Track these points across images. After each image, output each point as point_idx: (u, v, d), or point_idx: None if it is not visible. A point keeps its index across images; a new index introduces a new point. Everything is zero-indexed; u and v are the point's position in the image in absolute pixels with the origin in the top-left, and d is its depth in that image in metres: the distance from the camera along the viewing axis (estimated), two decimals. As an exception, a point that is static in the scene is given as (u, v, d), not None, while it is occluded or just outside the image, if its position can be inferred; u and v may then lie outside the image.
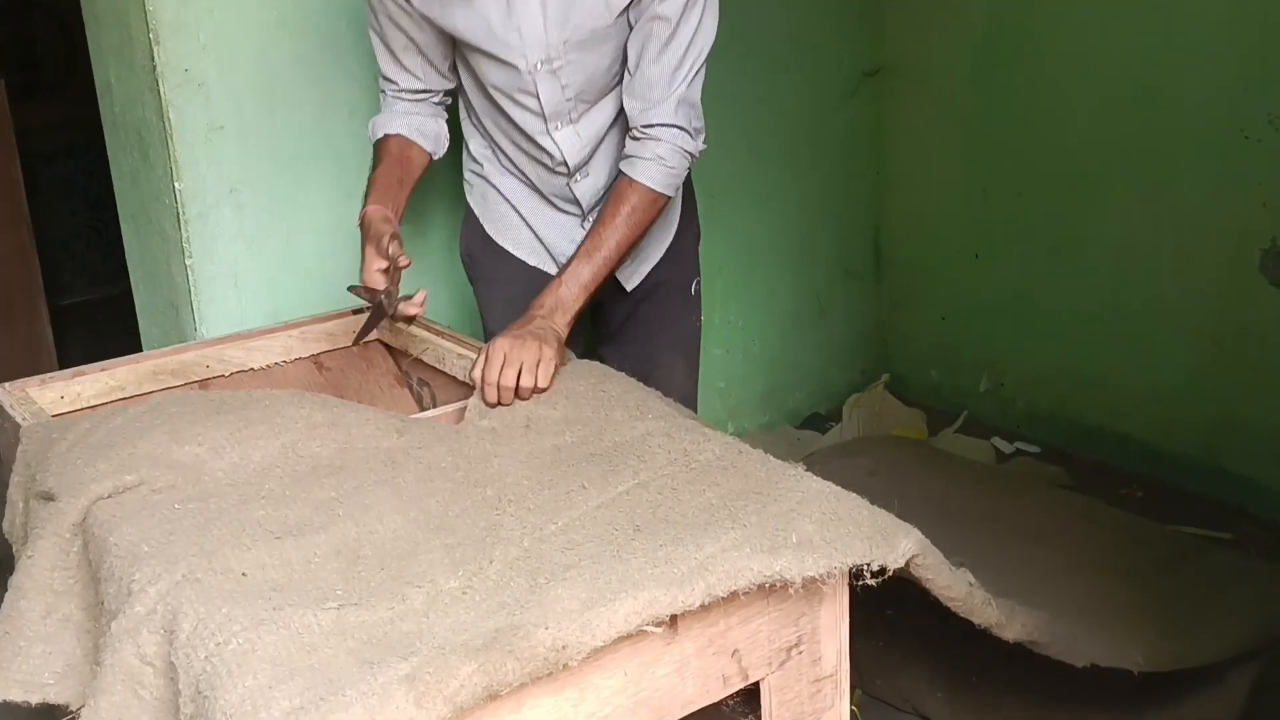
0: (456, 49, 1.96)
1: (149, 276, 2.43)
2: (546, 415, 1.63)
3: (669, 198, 1.89)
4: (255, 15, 2.25)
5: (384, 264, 1.83)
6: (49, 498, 1.45)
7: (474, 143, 2.08)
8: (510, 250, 2.10)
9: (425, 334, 1.97)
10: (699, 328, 2.22)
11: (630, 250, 1.89)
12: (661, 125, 1.83)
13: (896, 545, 1.30)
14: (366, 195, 1.93)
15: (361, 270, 1.86)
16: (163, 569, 1.23)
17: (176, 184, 2.21)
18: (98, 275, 4.85)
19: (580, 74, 1.88)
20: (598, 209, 2.02)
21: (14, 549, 1.66)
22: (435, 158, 2.04)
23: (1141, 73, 2.86)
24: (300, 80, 2.32)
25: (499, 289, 2.12)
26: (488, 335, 2.04)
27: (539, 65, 1.86)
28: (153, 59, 2.17)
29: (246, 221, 2.30)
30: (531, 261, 2.09)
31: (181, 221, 2.23)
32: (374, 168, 1.97)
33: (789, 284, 3.38)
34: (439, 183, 2.39)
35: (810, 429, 3.33)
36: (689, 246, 2.16)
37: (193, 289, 2.26)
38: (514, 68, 1.87)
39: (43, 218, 3.98)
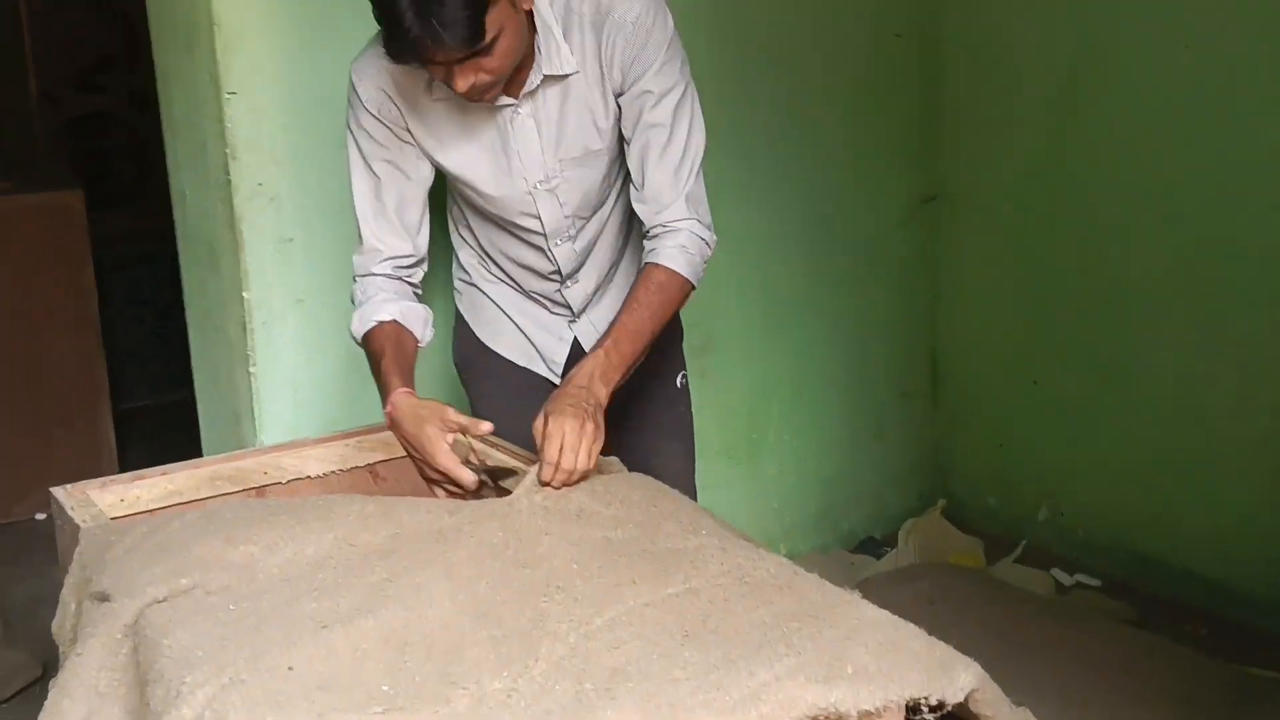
0: (451, 181, 2.01)
1: (212, 383, 2.47)
2: (599, 511, 1.62)
3: (694, 286, 1.93)
4: (326, 132, 2.32)
5: (451, 439, 1.76)
6: (103, 599, 1.45)
7: (464, 254, 2.15)
8: (501, 353, 2.16)
9: (478, 445, 1.98)
10: (690, 417, 2.25)
11: (658, 333, 1.91)
12: (674, 220, 1.89)
13: (955, 678, 1.26)
14: (385, 386, 1.84)
15: (430, 459, 1.75)
16: (212, 672, 1.22)
17: (244, 293, 2.27)
18: (160, 382, 4.93)
19: (577, 191, 1.95)
20: (586, 309, 2.11)
21: (60, 650, 1.66)
22: (422, 345, 1.98)
23: (1198, 201, 2.86)
24: (368, 196, 2.38)
25: (491, 385, 2.17)
26: None
27: (538, 185, 1.93)
28: (227, 173, 2.24)
29: (309, 332, 2.35)
30: (521, 363, 2.16)
31: (247, 330, 2.28)
32: (379, 357, 1.88)
33: (844, 404, 3.37)
34: (430, 292, 2.41)
35: (865, 553, 3.27)
36: (673, 342, 2.19)
37: (254, 396, 2.30)
38: (513, 191, 1.93)
39: (111, 324, 4.08)
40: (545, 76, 1.84)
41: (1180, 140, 2.87)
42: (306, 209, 2.31)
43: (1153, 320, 2.99)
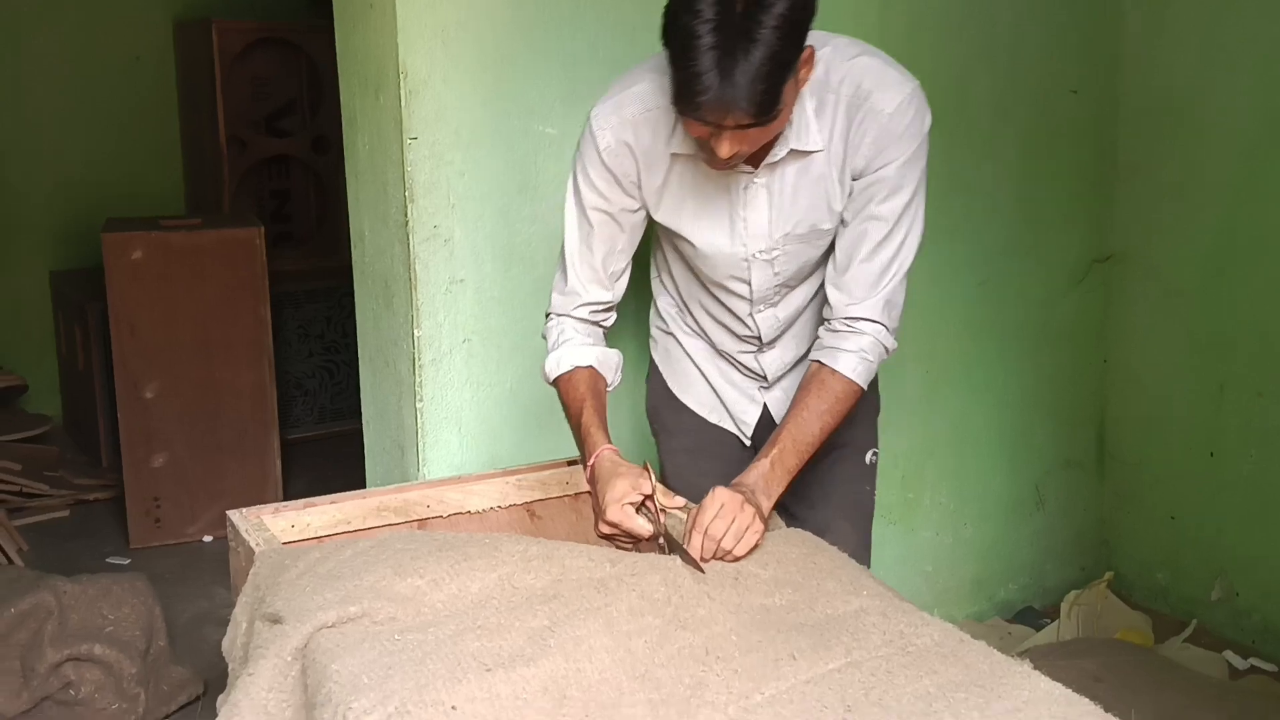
0: (663, 232, 1.99)
1: (380, 416, 2.54)
2: (756, 573, 1.61)
3: (864, 391, 1.88)
4: (500, 178, 2.38)
5: (636, 500, 1.73)
6: (275, 620, 1.50)
7: (662, 301, 2.13)
8: (691, 406, 2.13)
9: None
10: (873, 501, 2.18)
11: (827, 438, 1.87)
12: (866, 320, 1.84)
13: (1134, 759, 1.20)
14: (588, 440, 1.84)
15: (603, 510, 1.73)
16: (379, 700, 1.25)
17: (416, 331, 2.33)
18: (325, 413, 5.11)
19: (793, 263, 1.91)
20: (781, 378, 2.06)
21: (230, 667, 1.71)
22: (610, 390, 1.97)
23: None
24: (535, 239, 2.43)
25: (679, 440, 2.15)
26: (667, 484, 2.02)
27: (758, 254, 1.90)
28: (405, 215, 2.31)
29: (475, 369, 2.40)
30: (711, 419, 2.12)
31: (416, 366, 2.34)
32: (579, 405, 1.88)
33: (1005, 471, 3.27)
34: (622, 339, 2.43)
35: (1023, 623, 3.16)
36: (869, 415, 2.14)
37: (420, 431, 2.36)
38: (731, 256, 1.90)
39: (281, 356, 4.25)
40: (791, 151, 1.79)
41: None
42: (478, 251, 2.37)
43: (1342, 394, 2.84)
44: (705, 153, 1.71)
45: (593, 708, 1.29)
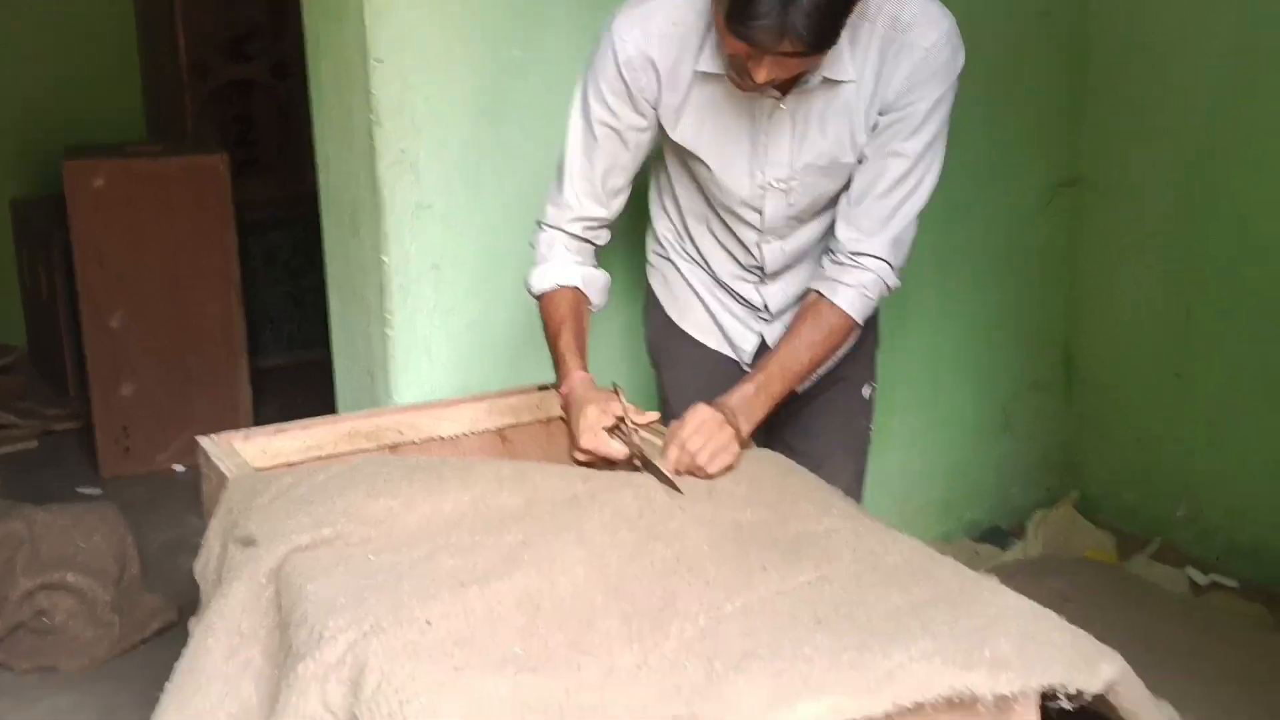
0: (677, 157, 1.93)
1: (349, 343, 2.53)
2: (730, 490, 1.62)
3: (860, 327, 1.87)
4: (467, 101, 2.35)
5: (609, 423, 1.73)
6: (249, 543, 1.50)
7: (661, 225, 2.08)
8: (691, 333, 2.10)
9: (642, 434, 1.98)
10: (869, 435, 2.17)
11: (817, 370, 1.88)
12: (872, 257, 1.82)
13: (1097, 670, 1.23)
14: (562, 364, 1.83)
15: (576, 435, 1.74)
16: (354, 619, 1.26)
17: (384, 258, 2.31)
18: (294, 341, 5.09)
19: (809, 195, 1.87)
20: (784, 312, 2.02)
21: (202, 590, 1.72)
22: (595, 311, 1.95)
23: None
24: (504, 164, 2.41)
25: (682, 370, 2.13)
26: (669, 416, 2.04)
27: (774, 183, 1.84)
28: (371, 139, 2.28)
29: (444, 296, 2.38)
30: (711, 344, 2.10)
31: (385, 293, 2.32)
32: (558, 327, 1.87)
33: (973, 395, 3.29)
34: (618, 264, 2.42)
35: (990, 543, 3.21)
36: (868, 350, 2.13)
37: (389, 357, 2.35)
38: (747, 182, 1.85)
39: (248, 284, 4.20)
40: (824, 79, 1.73)
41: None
42: (446, 176, 2.34)
43: (1307, 315, 2.87)
44: (736, 72, 1.65)
45: (567, 621, 1.31)
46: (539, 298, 1.92)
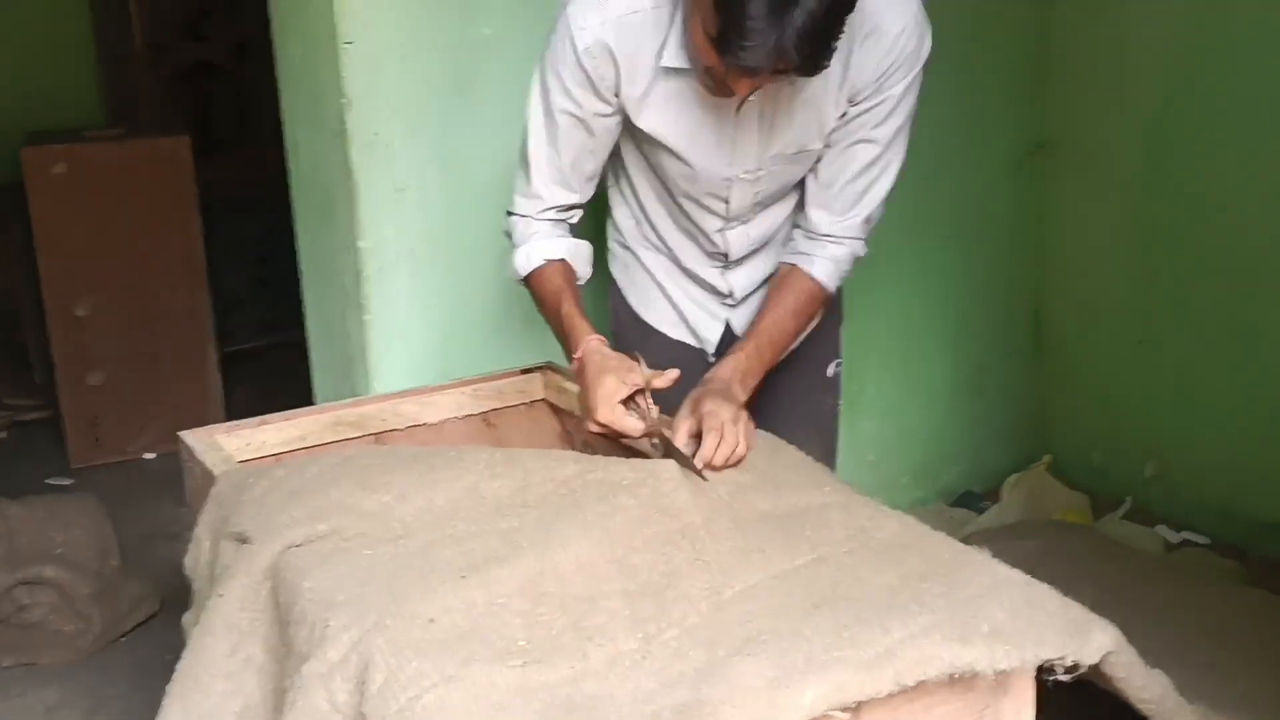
0: (635, 144, 1.90)
1: (325, 330, 2.52)
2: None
3: (832, 296, 1.91)
4: (437, 81, 2.34)
5: (626, 394, 1.67)
6: (243, 540, 1.50)
7: (619, 212, 2.05)
8: (652, 323, 2.09)
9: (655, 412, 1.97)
10: (836, 412, 2.18)
11: (799, 337, 1.90)
12: (847, 236, 1.86)
13: (1091, 640, 1.25)
14: (572, 330, 1.77)
15: (593, 408, 1.67)
16: (355, 616, 1.25)
17: (359, 242, 2.30)
18: (263, 324, 5.04)
19: (776, 183, 1.87)
20: (749, 296, 2.03)
21: (193, 585, 1.71)
22: (580, 283, 1.92)
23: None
24: (477, 144, 2.39)
25: (645, 361, 2.12)
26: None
27: (742, 175, 1.83)
28: (343, 122, 2.26)
29: (421, 280, 2.38)
30: (673, 335, 2.09)
31: (361, 278, 2.31)
32: (556, 297, 1.82)
33: (945, 359, 3.33)
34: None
35: (964, 507, 3.25)
36: (830, 326, 2.11)
37: (367, 344, 2.34)
38: (715, 173, 1.83)
39: (214, 269, 4.16)
40: None
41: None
42: (420, 159, 2.33)
43: (1270, 279, 2.90)
44: (709, 79, 1.60)
45: (569, 603, 1.31)
46: (526, 280, 1.88)
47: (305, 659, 1.25)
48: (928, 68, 1.78)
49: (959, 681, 1.22)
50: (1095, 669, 1.28)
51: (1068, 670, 1.24)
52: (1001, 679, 1.25)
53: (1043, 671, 1.26)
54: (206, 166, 4.51)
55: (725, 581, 1.37)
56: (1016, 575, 1.34)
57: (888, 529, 1.48)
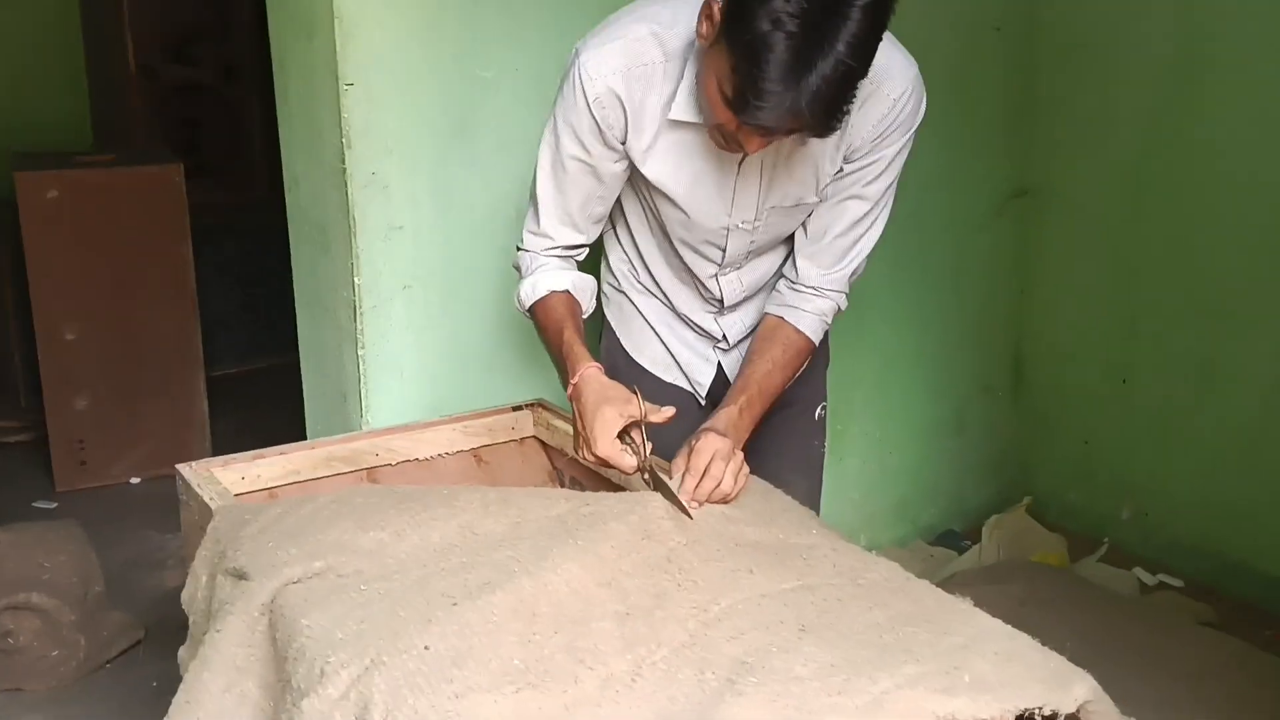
0: (635, 190, 1.94)
1: (319, 363, 2.54)
2: (712, 506, 1.67)
3: (817, 349, 1.98)
4: (436, 122, 2.37)
5: (622, 426, 1.70)
6: (240, 576, 1.52)
7: (614, 256, 2.09)
8: (646, 366, 2.13)
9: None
10: (823, 454, 2.23)
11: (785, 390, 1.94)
12: (832, 290, 1.92)
13: (1070, 690, 1.29)
14: (571, 357, 1.79)
15: (593, 442, 1.69)
16: (354, 654, 1.28)
17: (355, 278, 2.33)
18: (248, 349, 5.06)
19: (771, 234, 1.92)
20: (740, 343, 2.07)
21: (190, 620, 1.73)
22: (585, 317, 1.95)
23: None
24: (473, 184, 2.43)
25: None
26: None
27: (739, 225, 1.88)
28: (342, 161, 2.29)
29: (416, 315, 2.41)
30: (667, 378, 2.12)
31: (357, 313, 2.34)
32: (558, 326, 1.85)
33: (927, 398, 3.38)
34: None
35: (944, 545, 3.30)
36: (818, 369, 2.17)
37: (362, 378, 2.36)
38: (713, 222, 1.87)
39: (199, 291, 4.16)
40: None
41: (1278, 141, 2.84)
42: (416, 198, 2.36)
43: (1245, 323, 2.98)
44: (719, 135, 1.64)
45: (563, 623, 1.35)
46: (531, 310, 1.92)
47: (304, 695, 1.28)
48: (920, 130, 1.84)
49: (943, 730, 1.26)
50: (1073, 718, 1.32)
51: (1045, 719, 1.28)
52: (983, 727, 1.28)
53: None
54: (194, 189, 4.52)
55: (713, 599, 1.42)
56: (999, 626, 1.38)
57: (876, 572, 1.52)
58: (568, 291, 1.90)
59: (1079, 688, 1.30)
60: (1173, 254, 3.12)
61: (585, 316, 1.94)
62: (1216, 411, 3.06)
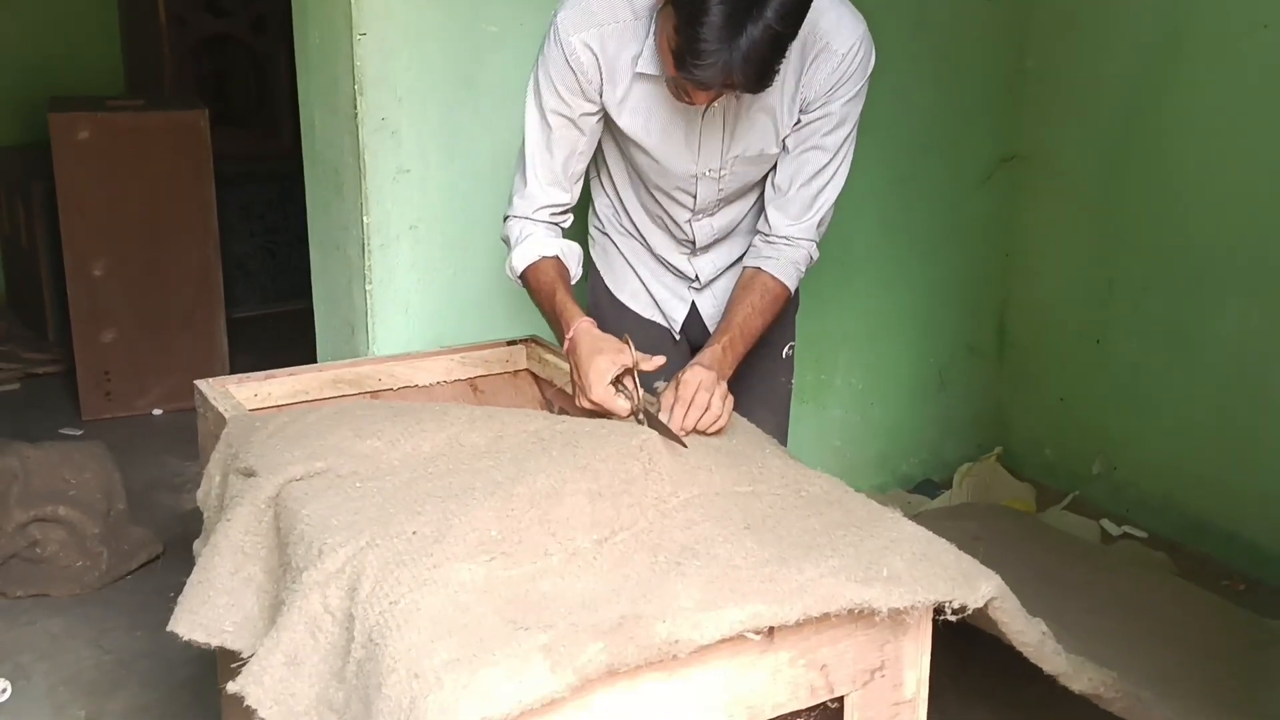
0: (614, 141, 2.10)
1: (330, 297, 2.71)
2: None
3: (793, 295, 2.12)
4: (444, 73, 2.53)
5: (615, 373, 1.82)
6: (249, 473, 1.69)
7: (600, 202, 2.25)
8: (626, 302, 2.29)
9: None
10: (789, 390, 2.38)
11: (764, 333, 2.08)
12: (802, 238, 2.06)
13: (977, 587, 1.45)
14: (565, 314, 1.92)
15: (587, 388, 1.82)
16: (350, 536, 1.45)
17: (365, 218, 2.49)
18: (268, 293, 5.23)
19: (737, 182, 2.08)
20: (713, 281, 2.24)
21: (205, 515, 1.90)
22: (572, 282, 2.07)
23: (1273, 175, 2.95)
24: (477, 132, 2.59)
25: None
26: None
27: (708, 172, 2.04)
28: (355, 107, 2.45)
29: (421, 255, 2.57)
30: (646, 315, 2.28)
31: (366, 251, 2.50)
32: (550, 289, 1.98)
33: (912, 355, 3.52)
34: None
35: (921, 494, 3.44)
36: (789, 313, 2.31)
37: (370, 311, 2.53)
38: (683, 170, 2.04)
39: (222, 236, 4.34)
40: None
41: (1260, 114, 2.95)
42: (423, 143, 2.52)
43: (1218, 289, 3.08)
44: (674, 88, 1.81)
45: (538, 497, 1.51)
46: (523, 275, 2.06)
47: (302, 570, 1.45)
48: (869, 85, 1.99)
49: (861, 617, 1.43)
50: (982, 613, 1.48)
51: (955, 613, 1.44)
52: (898, 618, 1.45)
53: (937, 614, 1.47)
54: (221, 137, 4.70)
55: (673, 491, 1.60)
56: (920, 531, 1.54)
57: (818, 485, 1.69)
58: (557, 257, 2.04)
59: (985, 585, 1.46)
60: (1150, 222, 3.23)
61: (574, 282, 2.08)
62: (1186, 374, 3.18)
